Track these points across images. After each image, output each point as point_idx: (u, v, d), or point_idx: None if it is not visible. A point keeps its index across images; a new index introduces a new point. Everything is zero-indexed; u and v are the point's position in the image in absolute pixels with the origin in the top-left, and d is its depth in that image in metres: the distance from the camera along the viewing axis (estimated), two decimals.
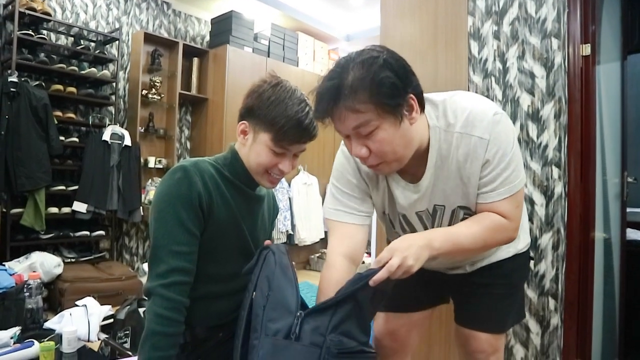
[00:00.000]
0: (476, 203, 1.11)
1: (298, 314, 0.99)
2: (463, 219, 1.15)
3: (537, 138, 2.06)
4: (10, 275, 2.71)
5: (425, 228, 1.20)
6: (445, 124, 1.07)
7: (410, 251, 0.95)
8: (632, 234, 2.92)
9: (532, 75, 2.07)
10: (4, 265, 2.95)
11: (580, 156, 1.99)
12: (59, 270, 3.19)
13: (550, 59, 2.02)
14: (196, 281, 1.13)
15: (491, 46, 2.19)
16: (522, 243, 1.31)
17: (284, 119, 1.12)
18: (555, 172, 2.01)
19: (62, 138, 3.49)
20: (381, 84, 0.94)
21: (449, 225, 1.17)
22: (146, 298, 1.08)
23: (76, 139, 3.65)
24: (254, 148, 1.18)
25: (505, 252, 1.28)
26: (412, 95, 0.99)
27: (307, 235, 4.62)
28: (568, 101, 1.98)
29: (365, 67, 0.95)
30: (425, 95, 1.07)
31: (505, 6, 2.14)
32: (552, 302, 2.01)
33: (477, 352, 1.30)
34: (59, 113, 3.52)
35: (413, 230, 1.23)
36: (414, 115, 1.01)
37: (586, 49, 1.98)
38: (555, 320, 2.01)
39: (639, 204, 3.28)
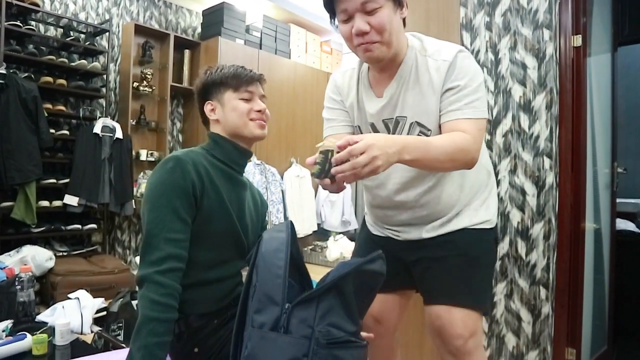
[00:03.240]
0: (440, 124, 1.22)
1: (286, 306, 0.99)
2: (418, 135, 1.26)
3: (529, 129, 2.07)
4: (2, 269, 2.70)
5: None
6: (421, 48, 1.26)
7: (382, 151, 0.98)
8: (622, 224, 2.97)
9: (524, 66, 2.08)
10: None
11: (571, 147, 2.01)
12: (50, 263, 3.17)
13: (541, 50, 2.03)
14: (186, 268, 1.15)
15: (483, 37, 2.19)
16: (479, 217, 1.33)
17: (231, 70, 1.34)
18: (547, 162, 2.02)
19: (52, 131, 3.45)
20: None
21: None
22: (138, 287, 1.09)
23: (67, 132, 3.61)
24: (227, 111, 1.33)
25: (460, 220, 1.31)
26: None
27: (300, 227, 4.62)
28: (559, 92, 1.99)
29: None
30: (411, 32, 1.30)
31: None
32: (543, 291, 2.03)
33: (453, 338, 1.25)
34: (49, 105, 3.47)
35: None
36: (404, 12, 1.21)
37: (577, 40, 1.99)
38: (546, 309, 2.03)
39: (628, 194, 3.32)
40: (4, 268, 2.75)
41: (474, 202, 1.34)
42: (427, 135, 1.25)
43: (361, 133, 1.36)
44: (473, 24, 2.22)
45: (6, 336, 1.71)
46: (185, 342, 1.21)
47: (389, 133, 1.30)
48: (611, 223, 2.65)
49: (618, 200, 2.68)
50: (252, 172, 4.20)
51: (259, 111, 1.33)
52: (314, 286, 1.05)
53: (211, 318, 1.24)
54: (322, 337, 0.95)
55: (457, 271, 1.29)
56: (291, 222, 1.15)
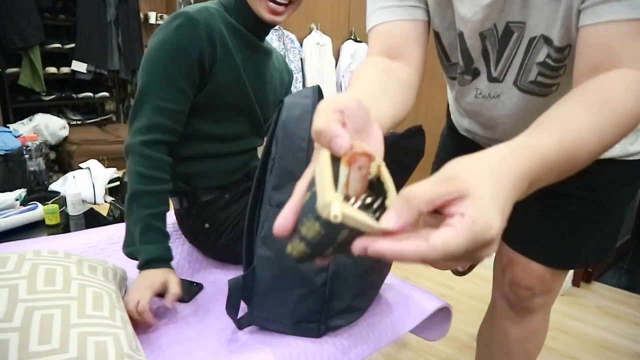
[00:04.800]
0: (577, 31, 0.59)
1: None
2: (543, 64, 0.72)
3: None
4: (16, 137, 2.65)
5: (487, 62, 0.78)
6: None
7: (500, 231, 0.36)
8: None
9: None
10: (8, 127, 2.88)
11: None
12: (64, 132, 3.13)
13: None
14: (191, 140, 1.07)
15: None
16: (638, 144, 0.84)
17: None
18: None
19: None
20: None
21: (522, 68, 0.75)
22: (125, 155, 0.99)
23: None
24: None
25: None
26: None
27: None
28: None
29: None
30: None
31: None
32: None
33: (521, 287, 0.93)
34: None
35: (468, 63, 0.80)
36: None
37: None
38: None
39: None
40: (18, 136, 2.71)
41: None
42: (559, 65, 0.71)
43: (440, 43, 0.82)
44: None
45: (20, 204, 1.69)
46: (194, 217, 1.15)
47: (485, 58, 0.77)
48: None
49: None
50: (270, 38, 3.90)
51: None
52: None
53: (221, 192, 1.16)
54: None
55: (573, 223, 0.88)
56: (318, 86, 0.96)
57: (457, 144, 1.03)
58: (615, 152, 0.83)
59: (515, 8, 0.68)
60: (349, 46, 4.72)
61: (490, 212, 0.33)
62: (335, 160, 0.37)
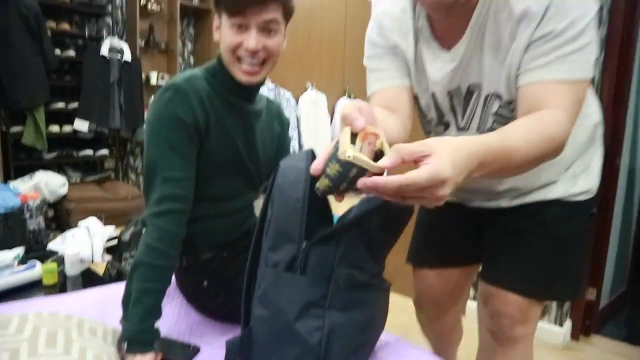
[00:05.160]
0: (517, 89, 0.84)
1: (304, 244, 0.90)
2: (496, 114, 0.93)
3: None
4: (16, 195, 2.69)
5: (455, 115, 0.99)
6: None
7: (453, 185, 0.58)
8: None
9: None
10: (8, 184, 2.92)
11: (615, 75, 1.82)
12: (64, 190, 3.16)
13: None
14: (193, 203, 1.08)
15: None
16: (580, 186, 1.01)
17: None
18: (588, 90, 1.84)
19: (57, 52, 3.31)
20: None
21: (481, 118, 0.96)
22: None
23: (73, 53, 3.46)
24: (221, 37, 1.07)
25: (554, 189, 1.01)
26: None
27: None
28: (610, 11, 1.76)
29: None
30: None
31: None
32: None
33: (502, 316, 1.03)
34: (52, 24, 3.31)
35: (440, 116, 1.02)
36: None
37: None
38: None
39: None
40: (18, 194, 2.74)
41: (574, 166, 1.01)
42: (508, 115, 0.91)
43: (418, 104, 1.05)
44: None
45: (18, 263, 1.71)
46: (193, 275, 1.17)
47: (453, 112, 0.99)
48: None
49: None
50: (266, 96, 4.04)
51: (249, 49, 1.02)
52: (334, 221, 0.95)
53: (221, 250, 1.18)
54: (343, 280, 0.87)
55: (536, 256, 1.02)
56: (312, 150, 1.02)
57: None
58: (560, 193, 1.00)
59: (473, 73, 0.92)
60: (343, 103, 4.87)
61: (446, 163, 0.56)
62: (353, 135, 0.61)
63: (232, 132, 1.13)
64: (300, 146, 4.46)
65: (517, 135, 0.73)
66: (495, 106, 0.92)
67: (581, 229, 1.04)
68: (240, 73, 1.07)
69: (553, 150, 0.78)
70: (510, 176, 0.93)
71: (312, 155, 0.99)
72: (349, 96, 4.89)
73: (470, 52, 0.90)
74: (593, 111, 1.02)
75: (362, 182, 0.57)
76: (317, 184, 0.65)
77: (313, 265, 0.88)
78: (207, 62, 1.15)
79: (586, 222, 1.05)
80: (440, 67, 0.94)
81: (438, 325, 1.33)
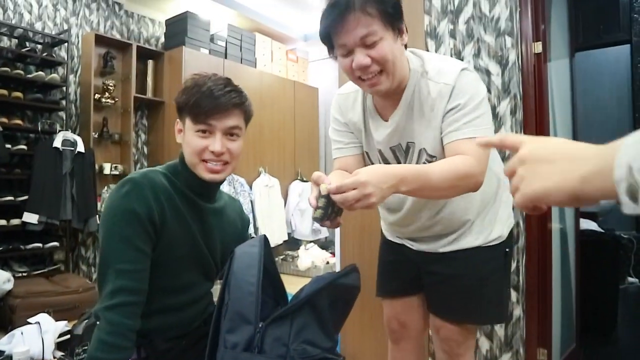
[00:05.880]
0: (442, 147, 1.18)
1: (260, 325, 0.96)
2: (425, 163, 1.23)
3: (495, 134, 2.10)
4: None
5: (399, 163, 1.29)
6: (422, 70, 1.20)
7: (376, 188, 0.94)
8: (585, 224, 3.05)
9: (488, 73, 2.11)
10: None
11: None
12: (9, 285, 3.01)
13: (504, 57, 2.08)
14: (150, 295, 1.08)
15: (448, 45, 2.22)
16: (494, 234, 1.33)
17: (197, 95, 1.11)
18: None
19: (8, 146, 3.30)
20: (387, 1, 1.09)
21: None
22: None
23: (24, 147, 3.45)
24: (185, 140, 1.16)
25: (475, 237, 1.31)
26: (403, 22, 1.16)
27: (270, 237, 4.57)
28: (523, 98, 2.04)
29: None
30: (410, 48, 1.25)
31: (461, 5, 2.18)
32: (514, 294, 2.06)
33: (447, 340, 1.36)
34: (4, 119, 3.32)
35: (386, 164, 1.31)
36: (404, 38, 1.16)
37: (538, 47, 2.05)
38: (517, 311, 2.06)
39: None
40: None
41: (487, 215, 1.33)
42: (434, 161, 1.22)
43: (369, 159, 1.35)
44: (437, 32, 2.25)
45: None
46: None
47: (397, 160, 1.28)
48: (575, 223, 2.73)
49: None
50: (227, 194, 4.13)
51: (214, 152, 1.12)
52: (289, 299, 1.02)
53: (179, 340, 1.18)
54: (298, 355, 0.93)
55: (467, 292, 1.31)
56: (265, 236, 1.11)
57: (389, 246, 1.52)
58: (480, 241, 1.32)
59: (408, 134, 1.24)
60: (296, 186, 5.04)
61: (363, 172, 0.96)
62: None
63: (191, 226, 1.16)
64: (256, 228, 4.50)
65: (433, 166, 1.11)
66: (423, 157, 1.24)
67: (499, 265, 1.36)
68: (205, 171, 1.14)
69: (466, 183, 1.09)
70: (435, 197, 1.24)
71: (264, 240, 1.09)
72: (302, 180, 5.07)
73: (403, 121, 1.23)
74: (497, 168, 1.34)
75: (330, 189, 0.95)
76: (313, 215, 0.98)
77: (269, 344, 0.95)
78: (168, 161, 1.22)
79: (503, 259, 1.36)
80: (381, 132, 1.27)
81: (405, 345, 1.53)
